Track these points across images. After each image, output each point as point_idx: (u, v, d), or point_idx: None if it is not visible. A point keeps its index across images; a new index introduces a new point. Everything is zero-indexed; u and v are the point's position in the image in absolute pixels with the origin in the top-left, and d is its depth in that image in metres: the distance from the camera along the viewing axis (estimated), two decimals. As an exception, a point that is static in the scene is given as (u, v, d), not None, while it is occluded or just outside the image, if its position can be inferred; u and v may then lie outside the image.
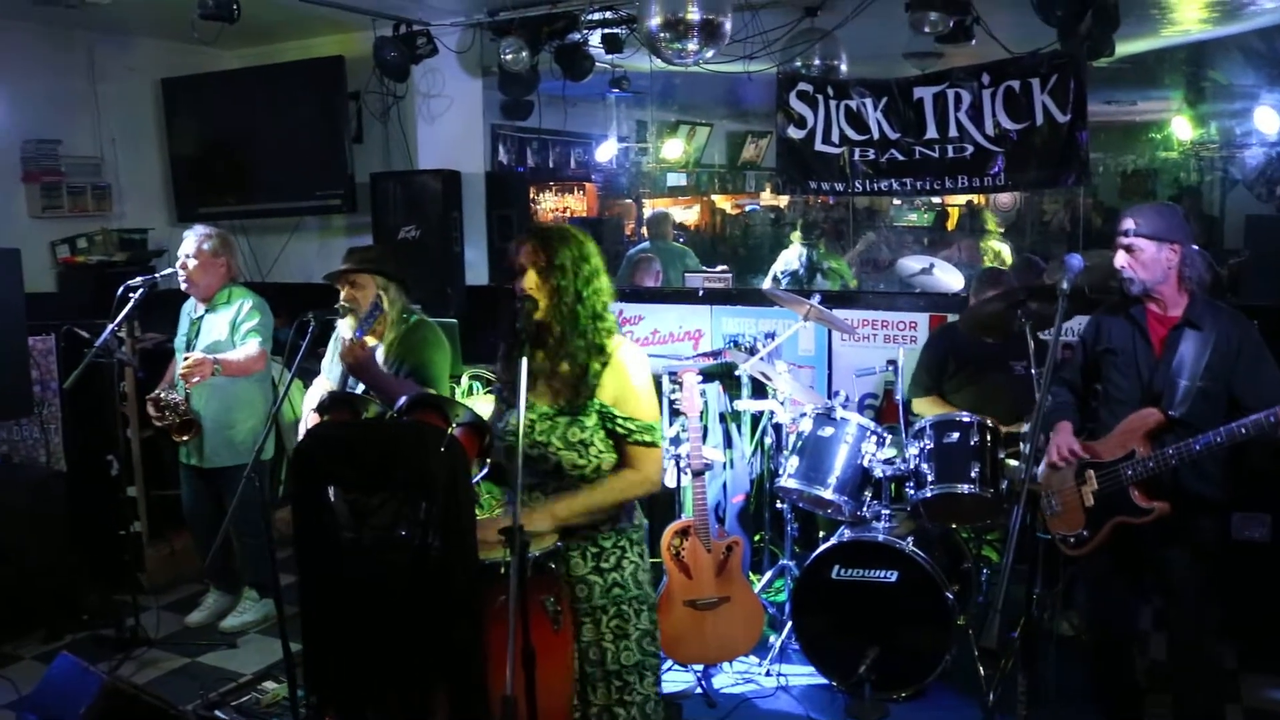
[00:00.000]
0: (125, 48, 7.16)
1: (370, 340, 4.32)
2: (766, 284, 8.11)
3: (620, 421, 3.09)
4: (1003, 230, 9.69)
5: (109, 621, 5.27)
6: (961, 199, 11.09)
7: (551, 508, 3.06)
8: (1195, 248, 3.63)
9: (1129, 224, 3.56)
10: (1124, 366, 3.68)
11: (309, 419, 4.41)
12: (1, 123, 6.44)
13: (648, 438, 3.12)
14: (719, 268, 7.28)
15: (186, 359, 5.06)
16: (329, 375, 4.60)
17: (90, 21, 6.56)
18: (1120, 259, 3.57)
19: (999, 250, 8.67)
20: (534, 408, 3.08)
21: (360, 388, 4.17)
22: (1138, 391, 3.63)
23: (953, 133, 5.60)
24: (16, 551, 5.21)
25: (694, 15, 5.10)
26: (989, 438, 4.57)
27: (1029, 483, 2.96)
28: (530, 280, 3.09)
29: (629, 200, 12.27)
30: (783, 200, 12.37)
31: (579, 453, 3.09)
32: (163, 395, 5.17)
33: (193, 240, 5.24)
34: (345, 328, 4.43)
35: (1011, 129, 5.45)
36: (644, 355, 3.25)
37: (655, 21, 5.16)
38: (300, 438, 4.52)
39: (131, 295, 5.05)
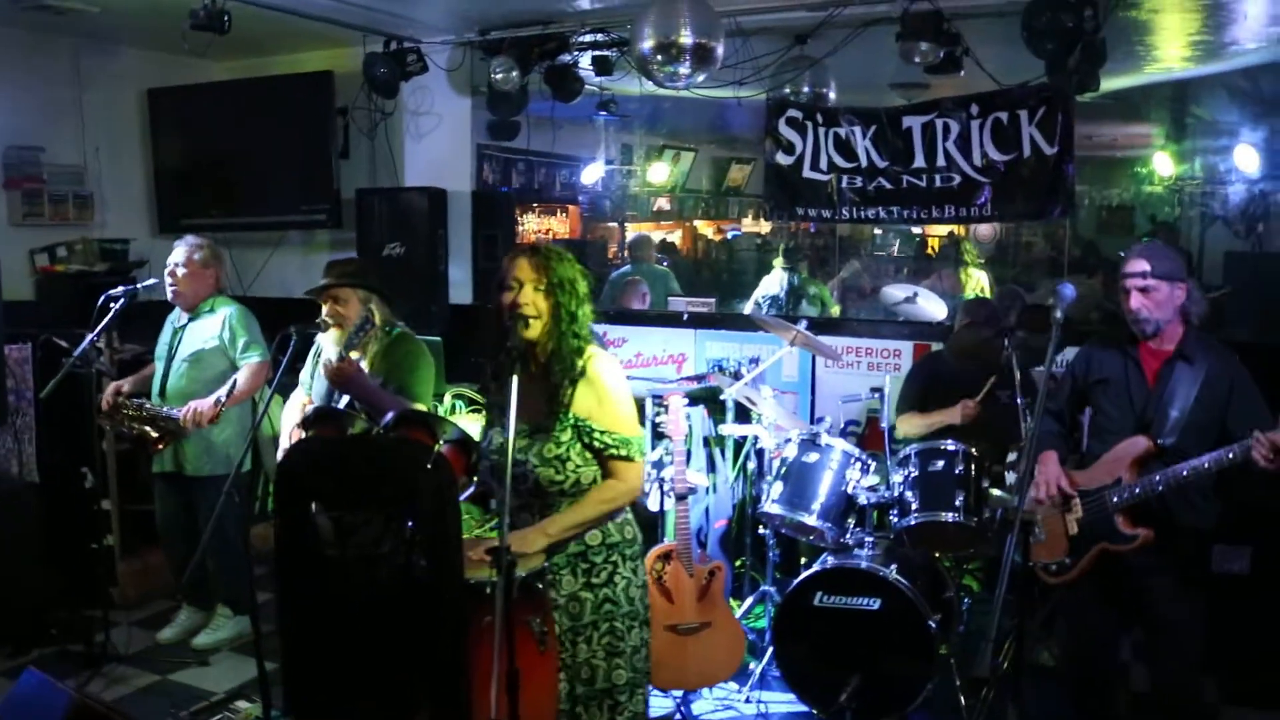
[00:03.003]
0: (112, 56, 7.12)
1: (354, 355, 4.28)
2: (748, 308, 8.10)
3: (597, 435, 3.09)
4: (983, 261, 9.74)
5: (78, 637, 5.18)
6: (943, 229, 11.15)
7: (543, 527, 3.04)
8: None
9: (1143, 265, 3.59)
10: (1116, 397, 3.71)
11: (290, 434, 4.36)
12: (-16, 128, 6.38)
13: (624, 452, 3.12)
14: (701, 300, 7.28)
15: (189, 410, 5.03)
16: (309, 390, 4.55)
17: (77, 29, 6.51)
18: (1135, 301, 3.60)
19: (979, 280, 8.71)
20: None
21: (344, 402, 4.13)
22: (1130, 422, 3.66)
23: (940, 162, 5.62)
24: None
25: (686, 39, 5.11)
26: (973, 466, 4.57)
27: (1021, 511, 2.95)
28: (528, 296, 3.08)
29: (612, 223, 12.28)
30: (765, 226, 12.40)
31: (555, 469, 3.08)
32: (147, 405, 5.13)
33: (183, 250, 5.22)
34: (328, 342, 4.39)
35: (999, 160, 5.47)
36: (618, 364, 3.25)
37: (648, 44, 5.17)
38: (279, 453, 4.48)
39: (113, 305, 5.01)
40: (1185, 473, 3.40)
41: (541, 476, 3.08)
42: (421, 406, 4.25)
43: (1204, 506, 3.63)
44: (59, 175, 6.86)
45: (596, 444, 3.10)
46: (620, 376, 3.20)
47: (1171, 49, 6.94)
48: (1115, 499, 3.55)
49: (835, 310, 8.47)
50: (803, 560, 5.36)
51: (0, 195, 6.63)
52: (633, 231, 11.70)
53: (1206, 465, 3.37)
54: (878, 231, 11.73)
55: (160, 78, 7.32)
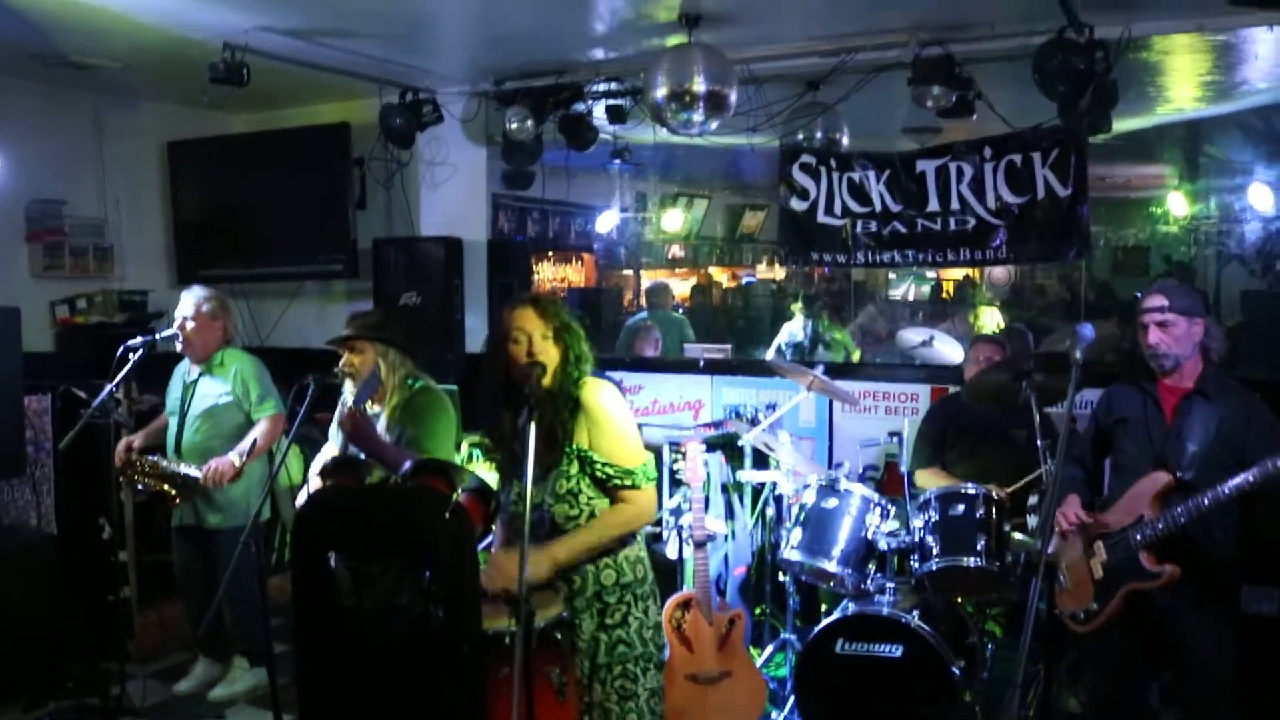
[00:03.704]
0: (132, 110, 7.21)
1: (374, 406, 4.28)
2: (770, 354, 8.11)
3: (599, 466, 3.09)
4: (997, 304, 9.74)
5: (95, 689, 5.13)
6: (958, 273, 11.16)
7: (550, 551, 3.02)
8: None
9: (1161, 301, 3.59)
10: (1135, 435, 3.70)
11: (311, 484, 4.35)
12: (7, 182, 6.44)
13: (628, 481, 3.10)
14: (717, 346, 7.28)
15: (209, 470, 5.03)
16: (335, 441, 4.55)
17: (98, 84, 6.61)
18: (1154, 336, 3.60)
19: (992, 321, 8.72)
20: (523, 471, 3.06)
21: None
22: (1149, 459, 3.64)
23: (954, 205, 5.63)
24: (1, 616, 5.10)
25: (700, 87, 5.14)
26: (995, 510, 4.53)
27: (1046, 556, 2.92)
28: (539, 345, 3.09)
29: (628, 271, 12.33)
30: (780, 272, 12.42)
31: (569, 504, 3.09)
32: (163, 463, 5.14)
33: (191, 302, 5.23)
34: (350, 393, 4.39)
35: (1013, 202, 5.48)
36: (614, 391, 3.23)
37: (661, 92, 5.20)
38: (301, 503, 4.46)
39: (131, 356, 5.03)
40: (1206, 502, 3.39)
41: (557, 513, 3.09)
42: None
43: (1225, 539, 3.61)
44: (80, 228, 6.94)
45: (599, 474, 3.11)
46: (617, 402, 3.20)
47: (1183, 90, 6.97)
48: (1139, 536, 3.53)
49: (857, 355, 8.47)
50: (823, 607, 5.30)
51: (22, 248, 6.70)
52: (648, 279, 11.74)
53: (1226, 492, 3.35)
54: (892, 276, 11.74)
55: (179, 131, 7.41)
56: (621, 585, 3.16)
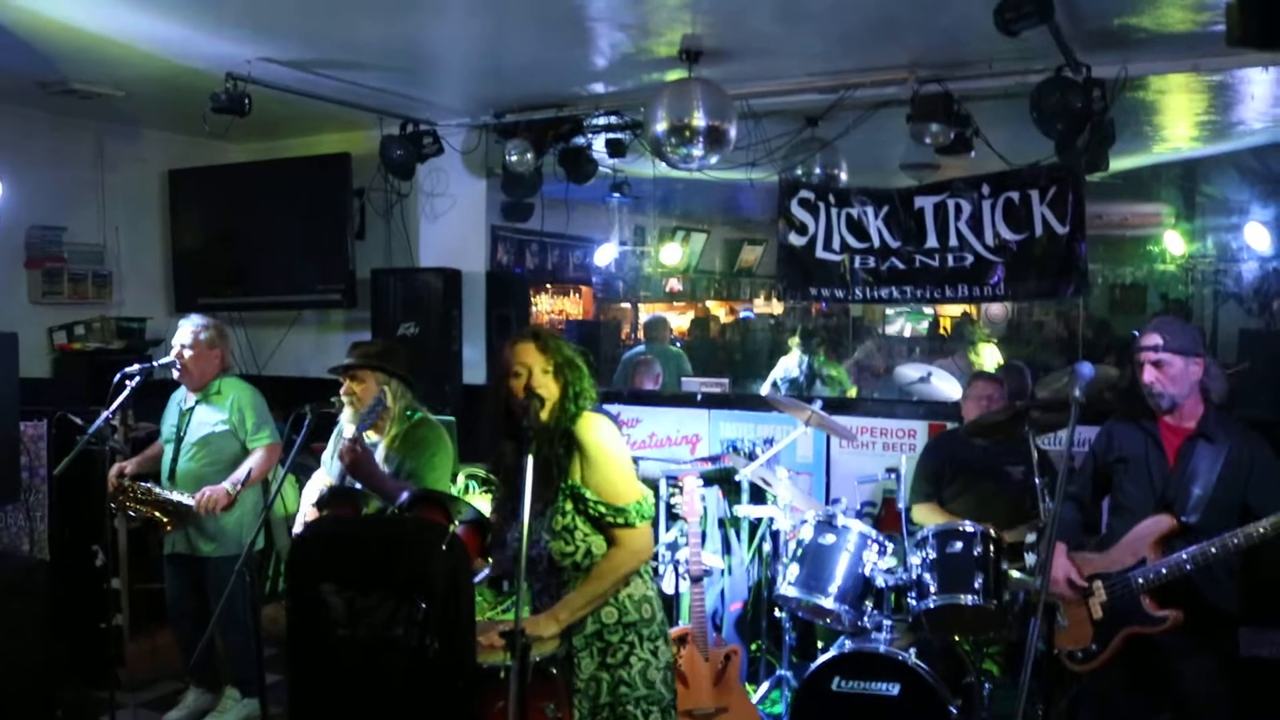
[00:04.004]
0: (134, 138, 7.24)
1: (372, 436, 4.27)
2: (765, 389, 8.10)
3: (592, 505, 3.07)
4: (994, 340, 9.75)
5: (85, 718, 5.09)
6: (955, 309, 11.18)
7: (554, 612, 3.00)
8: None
9: (1155, 339, 3.58)
10: (1136, 475, 3.67)
11: (306, 514, 4.33)
12: (8, 208, 6.45)
13: (620, 520, 3.08)
14: (715, 380, 7.28)
15: (203, 497, 5.01)
16: (329, 471, 4.54)
17: (101, 112, 6.64)
18: (1149, 375, 3.59)
19: (990, 358, 8.72)
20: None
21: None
22: (1150, 501, 3.62)
23: (953, 242, 5.64)
24: (-9, 643, 5.06)
25: (699, 122, 5.16)
26: (992, 548, 4.51)
27: (1045, 595, 2.90)
28: (538, 380, 3.08)
29: (625, 304, 12.34)
30: (777, 307, 12.45)
31: (565, 540, 3.07)
32: (156, 490, 5.11)
33: (188, 330, 5.22)
34: (348, 422, 4.38)
35: (1011, 239, 5.50)
36: (610, 425, 3.21)
37: (661, 127, 5.22)
38: (296, 532, 4.44)
39: (128, 383, 5.01)
40: (1214, 550, 3.36)
41: (553, 549, 3.06)
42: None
43: (1229, 585, 3.58)
44: (79, 254, 6.94)
45: (593, 513, 3.08)
46: (611, 437, 3.17)
47: (1179, 129, 7.02)
48: (1141, 580, 3.50)
49: (853, 392, 8.46)
50: (820, 644, 5.28)
51: (22, 274, 6.70)
52: (646, 312, 11.76)
53: (1237, 541, 3.32)
54: (890, 311, 11.76)
55: (180, 159, 7.44)
56: (624, 624, 3.12)
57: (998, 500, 4.89)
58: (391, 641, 2.72)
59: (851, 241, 5.91)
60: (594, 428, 3.14)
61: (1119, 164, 7.02)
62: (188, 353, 5.19)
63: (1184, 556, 3.42)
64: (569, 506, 3.08)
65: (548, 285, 10.81)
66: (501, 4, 4.64)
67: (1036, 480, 4.37)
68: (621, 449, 3.18)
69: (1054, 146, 5.15)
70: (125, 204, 7.23)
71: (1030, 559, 4.32)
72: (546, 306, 10.96)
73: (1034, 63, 5.01)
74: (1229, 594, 3.57)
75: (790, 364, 8.36)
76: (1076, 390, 3.19)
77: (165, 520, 5.13)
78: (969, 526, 4.57)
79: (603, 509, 3.06)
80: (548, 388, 3.09)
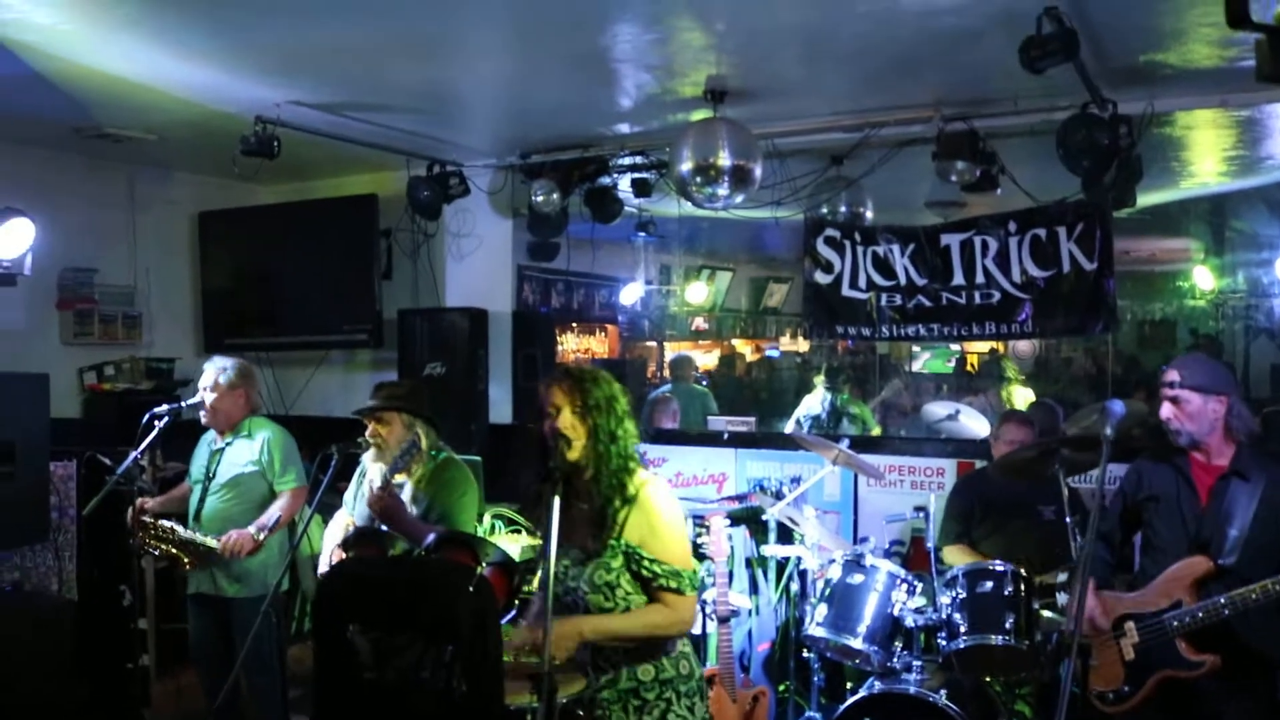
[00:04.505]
0: (164, 181, 7.34)
1: (399, 477, 4.26)
2: (789, 428, 8.06)
3: (646, 564, 3.02)
4: (1023, 377, 9.69)
5: (111, 760, 5.09)
6: (984, 346, 11.13)
7: (577, 623, 2.97)
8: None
9: (1174, 376, 3.55)
10: (1167, 515, 3.62)
11: (332, 554, 4.33)
12: (41, 250, 6.53)
13: (674, 584, 3.03)
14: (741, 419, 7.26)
15: (229, 540, 5.00)
16: (351, 511, 4.53)
17: (132, 155, 6.74)
18: (1166, 411, 3.55)
19: (1024, 398, 8.65)
20: (564, 552, 3.02)
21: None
22: (1183, 540, 3.56)
23: (980, 279, 5.61)
24: (17, 683, 5.05)
25: (725, 161, 5.18)
26: (1023, 587, 4.45)
27: (1079, 636, 2.85)
28: (565, 420, 3.07)
29: (651, 343, 12.36)
30: (803, 345, 12.43)
31: (605, 595, 3.02)
32: (179, 529, 5.12)
33: (211, 372, 5.23)
34: (371, 462, 4.37)
35: (1039, 276, 5.47)
36: (672, 493, 3.19)
37: (687, 166, 5.25)
38: (320, 573, 4.44)
39: (156, 423, 5.04)
40: (1255, 595, 3.29)
41: (592, 603, 3.02)
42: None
43: (1265, 625, 3.48)
44: (110, 296, 7.03)
45: (645, 573, 3.03)
46: (674, 505, 3.14)
47: (1207, 164, 6.99)
48: (1175, 623, 3.44)
49: (876, 430, 8.41)
50: (849, 685, 5.21)
51: (54, 315, 6.79)
52: (672, 351, 11.77)
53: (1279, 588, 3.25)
54: (916, 349, 11.72)
55: (210, 201, 7.54)
56: (661, 681, 3.08)
57: (1029, 540, 4.82)
58: (419, 684, 2.71)
59: (877, 279, 5.89)
60: (659, 492, 3.10)
61: (1146, 199, 6.99)
62: (211, 395, 5.19)
63: (1221, 601, 3.36)
64: (616, 564, 3.03)
65: (574, 324, 10.85)
66: (528, 46, 4.69)
67: (1068, 519, 4.32)
68: (681, 515, 3.15)
69: (1081, 183, 5.14)
70: (156, 246, 7.33)
71: (1062, 598, 4.26)
72: (572, 345, 10.99)
73: (1059, 99, 5.01)
74: (1267, 635, 3.50)
75: (814, 402, 8.33)
76: (1108, 429, 3.16)
77: (187, 560, 5.13)
78: (999, 565, 4.51)
79: (659, 569, 3.01)
80: (575, 429, 3.08)
